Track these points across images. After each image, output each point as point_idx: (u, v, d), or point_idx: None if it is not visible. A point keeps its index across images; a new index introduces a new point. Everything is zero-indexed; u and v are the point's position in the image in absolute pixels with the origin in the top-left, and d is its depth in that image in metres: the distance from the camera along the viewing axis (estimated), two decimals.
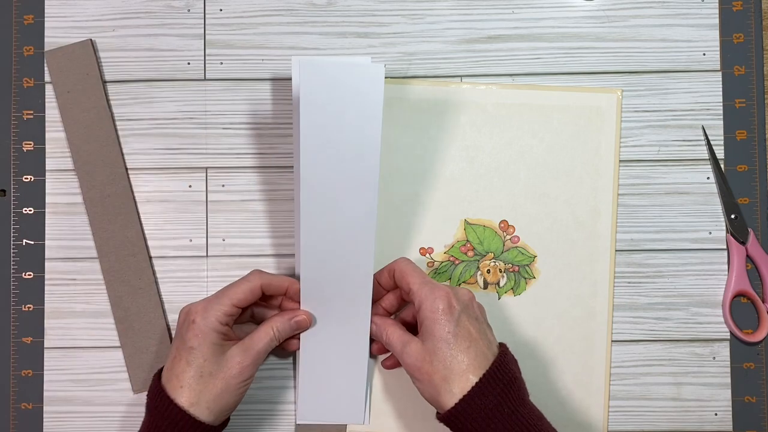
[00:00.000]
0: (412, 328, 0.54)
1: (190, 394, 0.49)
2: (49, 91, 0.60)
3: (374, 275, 0.55)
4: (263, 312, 0.56)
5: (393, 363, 0.56)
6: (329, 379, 0.56)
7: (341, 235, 0.53)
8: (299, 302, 0.55)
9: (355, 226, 0.53)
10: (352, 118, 0.51)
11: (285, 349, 0.56)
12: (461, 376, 0.48)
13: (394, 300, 0.55)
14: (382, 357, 0.57)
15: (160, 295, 0.59)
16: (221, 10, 0.60)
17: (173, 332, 0.59)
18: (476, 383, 0.47)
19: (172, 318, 0.59)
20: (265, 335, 0.52)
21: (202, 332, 0.50)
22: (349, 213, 0.52)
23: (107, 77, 0.60)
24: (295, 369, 0.58)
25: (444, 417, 0.48)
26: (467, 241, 0.59)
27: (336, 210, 0.52)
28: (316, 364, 0.56)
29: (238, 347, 0.51)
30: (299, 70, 0.51)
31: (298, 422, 0.57)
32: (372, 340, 0.56)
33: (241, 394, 0.51)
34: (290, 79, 0.59)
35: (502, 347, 0.51)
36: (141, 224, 0.59)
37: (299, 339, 0.55)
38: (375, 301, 0.56)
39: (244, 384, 0.50)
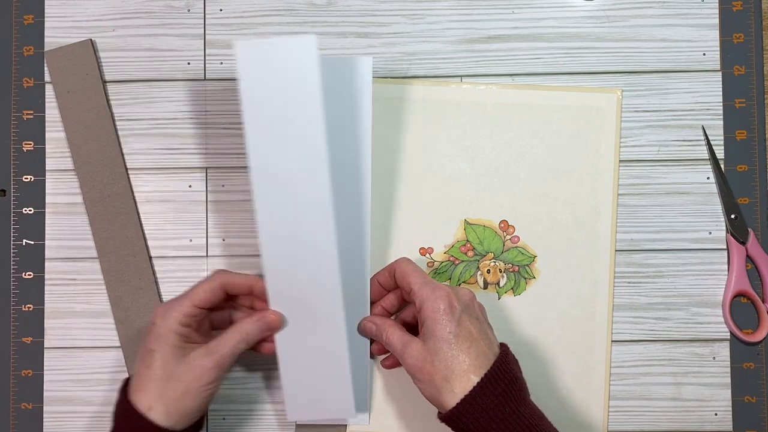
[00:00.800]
0: (412, 328, 0.54)
1: (149, 397, 0.48)
2: (49, 91, 0.60)
3: (375, 276, 0.55)
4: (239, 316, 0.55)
5: (392, 363, 0.56)
6: (311, 375, 0.54)
7: (299, 224, 0.50)
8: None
9: (311, 212, 0.50)
10: (292, 96, 0.49)
11: (262, 353, 0.53)
12: (462, 376, 0.48)
13: (395, 300, 0.55)
14: (381, 357, 0.57)
15: (160, 295, 0.59)
16: (221, 10, 0.60)
17: None
18: (477, 383, 0.47)
19: None
20: (231, 338, 0.50)
21: (161, 334, 0.49)
22: (303, 198, 0.50)
23: (107, 77, 0.60)
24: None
25: (445, 417, 0.48)
26: (467, 241, 0.59)
27: (290, 197, 0.50)
28: (296, 362, 0.54)
29: (202, 350, 0.49)
30: (237, 53, 0.49)
31: (288, 420, 0.57)
32: (372, 341, 0.56)
33: (206, 399, 0.49)
34: None
35: (503, 347, 0.51)
36: (141, 224, 0.59)
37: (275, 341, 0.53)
38: (375, 301, 0.56)
39: (208, 388, 0.49)
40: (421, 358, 0.49)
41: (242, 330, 0.51)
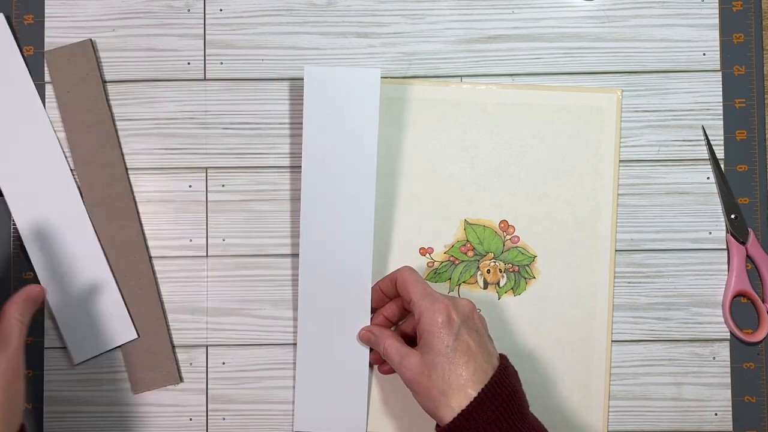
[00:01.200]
0: (412, 339, 0.54)
1: None
2: (49, 91, 0.60)
3: (377, 283, 0.55)
4: None
5: (389, 369, 0.56)
6: (328, 387, 0.56)
7: (340, 237, 0.54)
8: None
9: (353, 229, 0.54)
10: (352, 121, 0.54)
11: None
12: (459, 391, 0.47)
13: (396, 309, 0.55)
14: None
15: (160, 295, 0.59)
16: (221, 10, 0.60)
17: (173, 332, 0.59)
18: (474, 398, 0.47)
19: (173, 318, 0.59)
20: (14, 328, 0.49)
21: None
22: (348, 215, 0.53)
23: (107, 77, 0.60)
24: (295, 370, 0.58)
25: (443, 431, 0.48)
26: (467, 241, 0.59)
27: (335, 211, 0.54)
28: (314, 372, 0.56)
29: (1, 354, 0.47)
30: (305, 76, 0.54)
31: (294, 430, 0.57)
32: (370, 350, 0.56)
33: (23, 394, 0.48)
34: (290, 79, 0.60)
35: (503, 360, 0.50)
36: (141, 224, 0.59)
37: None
38: (376, 309, 0.56)
39: (22, 383, 0.48)
40: (418, 371, 0.49)
41: (17, 315, 0.49)
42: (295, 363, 0.58)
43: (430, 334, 0.49)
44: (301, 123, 0.59)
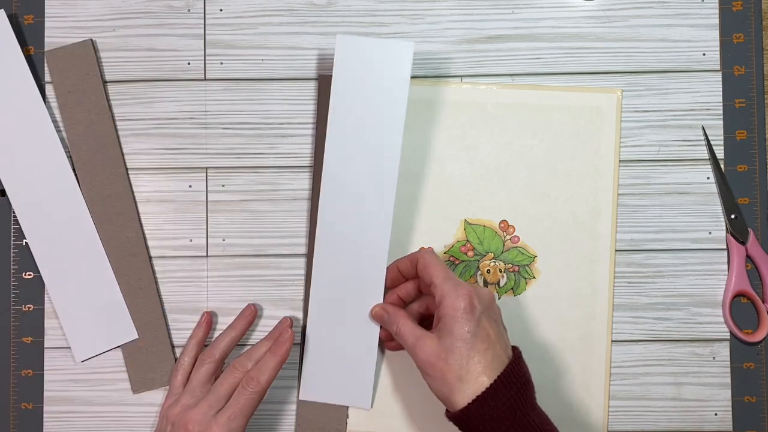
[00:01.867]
0: (422, 320, 0.54)
1: None
2: (50, 91, 0.60)
3: (396, 262, 0.55)
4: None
5: (397, 345, 0.56)
6: (336, 358, 0.56)
7: (360, 211, 0.54)
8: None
9: (374, 203, 0.54)
10: (380, 93, 0.54)
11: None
12: (476, 378, 0.47)
13: (412, 289, 0.55)
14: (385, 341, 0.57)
15: (160, 295, 0.59)
16: (221, 10, 0.60)
17: (173, 332, 0.59)
18: (490, 385, 0.47)
19: (172, 318, 0.59)
20: (242, 395, 0.51)
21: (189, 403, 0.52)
22: (368, 194, 0.54)
23: (107, 77, 0.60)
24: (302, 352, 0.58)
25: (454, 416, 0.48)
26: (467, 241, 0.59)
27: (356, 190, 0.54)
28: (323, 343, 0.56)
29: (223, 413, 0.51)
30: (337, 45, 0.54)
31: (300, 399, 0.57)
32: (380, 327, 0.56)
33: None
34: (291, 79, 0.60)
35: (516, 351, 0.50)
36: (141, 224, 0.59)
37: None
38: (391, 287, 0.56)
39: None
40: (435, 354, 0.48)
41: (251, 385, 0.52)
42: (302, 344, 0.58)
43: (452, 319, 0.48)
44: (301, 123, 0.59)
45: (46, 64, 0.59)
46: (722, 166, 0.59)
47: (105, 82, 0.60)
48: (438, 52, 0.60)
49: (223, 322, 0.59)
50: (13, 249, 0.59)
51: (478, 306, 0.49)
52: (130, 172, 0.59)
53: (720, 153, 0.59)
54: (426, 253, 0.53)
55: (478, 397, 0.47)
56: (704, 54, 0.60)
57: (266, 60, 0.60)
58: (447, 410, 0.49)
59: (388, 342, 0.57)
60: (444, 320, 0.49)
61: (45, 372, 0.59)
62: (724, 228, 0.59)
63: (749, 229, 0.59)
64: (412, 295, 0.55)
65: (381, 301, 0.55)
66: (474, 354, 0.48)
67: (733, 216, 0.59)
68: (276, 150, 0.59)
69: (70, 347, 0.58)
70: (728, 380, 0.58)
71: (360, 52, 0.54)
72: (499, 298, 0.58)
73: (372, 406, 0.57)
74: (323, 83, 0.59)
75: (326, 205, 0.55)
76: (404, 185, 0.59)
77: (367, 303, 0.55)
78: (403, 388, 0.58)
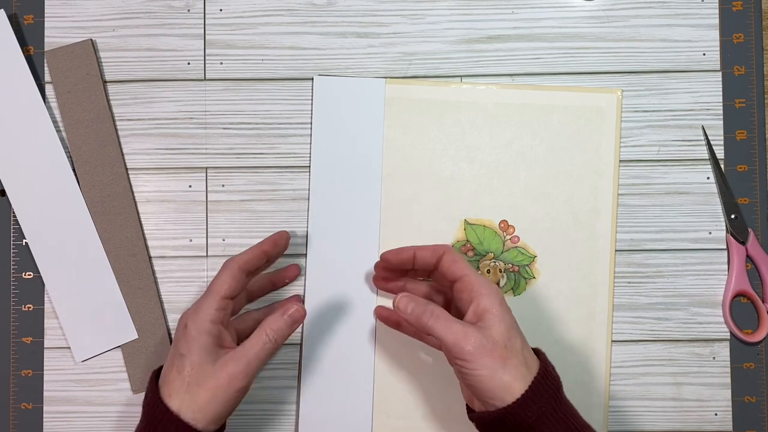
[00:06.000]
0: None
1: (179, 401, 0.47)
2: (49, 91, 0.60)
3: (414, 248, 0.53)
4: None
5: (397, 322, 0.56)
6: (333, 395, 0.56)
7: (348, 239, 0.56)
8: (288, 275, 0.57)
9: (362, 230, 0.57)
10: (359, 128, 0.57)
11: None
12: (513, 383, 0.47)
13: (426, 292, 0.56)
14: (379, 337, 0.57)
15: (159, 295, 0.59)
16: (221, 10, 0.60)
17: (173, 332, 0.59)
18: (532, 380, 0.47)
19: (172, 318, 0.59)
20: (257, 341, 0.49)
21: (193, 337, 0.48)
22: (356, 215, 0.56)
23: (107, 77, 0.60)
24: (299, 370, 0.58)
25: (481, 417, 0.48)
26: (467, 241, 0.59)
27: (343, 213, 0.57)
28: (320, 379, 0.56)
29: (231, 356, 0.48)
30: (315, 86, 0.58)
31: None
32: (389, 312, 0.56)
33: (234, 403, 0.49)
34: (291, 79, 0.60)
35: (537, 349, 0.50)
36: (141, 224, 0.59)
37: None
38: (395, 269, 0.55)
39: (238, 394, 0.48)
40: (480, 345, 0.47)
41: (268, 330, 0.49)
42: (300, 361, 0.58)
43: (492, 316, 0.48)
44: (301, 123, 0.59)
45: (46, 64, 0.59)
46: (722, 166, 0.59)
47: (105, 82, 0.60)
48: (438, 52, 0.60)
49: None
50: (13, 249, 0.59)
51: (506, 304, 0.49)
52: (130, 172, 0.59)
53: (720, 153, 0.59)
54: (451, 249, 0.52)
55: (516, 401, 0.46)
56: (704, 54, 0.60)
57: (266, 60, 0.60)
58: (472, 411, 0.49)
59: (388, 318, 0.56)
60: (486, 317, 0.48)
61: (45, 372, 0.59)
62: (724, 228, 0.59)
63: (749, 229, 0.59)
64: (422, 294, 0.55)
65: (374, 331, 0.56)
66: (510, 354, 0.47)
67: (733, 216, 0.59)
68: (276, 150, 0.59)
69: (70, 347, 0.58)
70: (728, 380, 0.58)
71: (337, 91, 0.58)
72: None
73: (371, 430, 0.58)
74: (319, 84, 0.59)
75: (315, 240, 0.58)
76: (404, 185, 0.59)
77: (360, 329, 0.56)
78: (403, 389, 0.58)
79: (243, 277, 0.51)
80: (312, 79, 0.59)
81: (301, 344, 0.58)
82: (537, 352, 0.50)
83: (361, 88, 0.58)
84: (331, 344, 0.57)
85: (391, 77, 0.59)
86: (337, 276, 0.57)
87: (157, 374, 0.50)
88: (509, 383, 0.46)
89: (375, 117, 0.58)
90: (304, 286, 0.58)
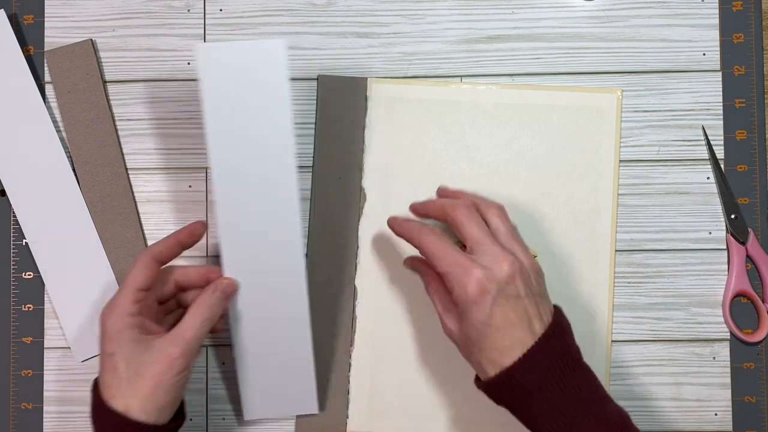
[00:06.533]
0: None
1: (124, 400, 0.45)
2: (49, 91, 0.60)
3: (425, 202, 0.52)
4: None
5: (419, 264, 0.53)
6: (272, 368, 0.52)
7: (266, 228, 0.50)
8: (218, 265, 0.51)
9: (278, 213, 0.50)
10: (258, 101, 0.49)
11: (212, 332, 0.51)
12: (494, 363, 0.45)
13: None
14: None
15: None
16: (221, 10, 0.60)
17: None
18: (508, 368, 0.45)
19: None
20: (192, 319, 0.47)
21: (116, 334, 0.46)
22: (270, 201, 0.50)
23: (107, 77, 0.60)
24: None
25: (482, 387, 0.47)
26: None
27: (255, 200, 0.50)
28: (255, 356, 0.52)
29: (165, 339, 0.47)
30: (197, 58, 0.49)
31: (245, 419, 0.55)
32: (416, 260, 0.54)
33: (180, 387, 0.47)
34: (291, 79, 0.59)
35: (554, 322, 0.47)
36: (141, 224, 0.59)
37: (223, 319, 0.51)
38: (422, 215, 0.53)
39: (179, 378, 0.46)
40: (456, 334, 0.48)
41: (202, 307, 0.48)
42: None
43: (465, 306, 0.46)
44: (301, 123, 0.59)
45: (46, 64, 0.59)
46: (722, 166, 0.59)
47: (105, 82, 0.60)
48: (438, 52, 0.60)
49: (223, 323, 0.59)
50: (13, 249, 0.59)
51: (492, 288, 0.45)
52: (130, 172, 0.59)
53: (720, 153, 0.59)
54: (429, 239, 0.48)
55: (503, 371, 0.45)
56: (704, 54, 0.60)
57: None
58: (477, 378, 0.48)
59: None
60: (460, 306, 0.47)
61: (45, 372, 0.59)
62: (724, 228, 0.59)
63: (749, 229, 0.59)
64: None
65: (306, 300, 0.52)
66: (491, 341, 0.45)
67: (733, 216, 0.59)
68: None
69: (70, 347, 0.58)
70: (728, 380, 0.58)
71: (227, 61, 0.49)
72: None
73: (324, 409, 0.56)
74: (323, 83, 0.59)
75: (226, 212, 0.51)
76: (404, 185, 0.59)
77: (291, 304, 0.52)
78: (402, 388, 0.58)
79: (157, 267, 0.50)
80: (316, 78, 0.59)
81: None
82: (550, 326, 0.47)
83: (254, 55, 0.49)
84: (265, 352, 0.53)
85: (391, 77, 0.59)
86: (258, 278, 0.52)
87: (96, 384, 0.48)
88: (473, 365, 0.46)
89: (276, 90, 0.49)
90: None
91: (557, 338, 0.46)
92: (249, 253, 0.51)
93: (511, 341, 0.45)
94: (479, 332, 0.46)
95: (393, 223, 0.52)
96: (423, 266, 0.53)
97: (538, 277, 0.49)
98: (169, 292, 0.52)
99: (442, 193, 0.54)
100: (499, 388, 0.46)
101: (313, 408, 0.55)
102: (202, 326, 0.48)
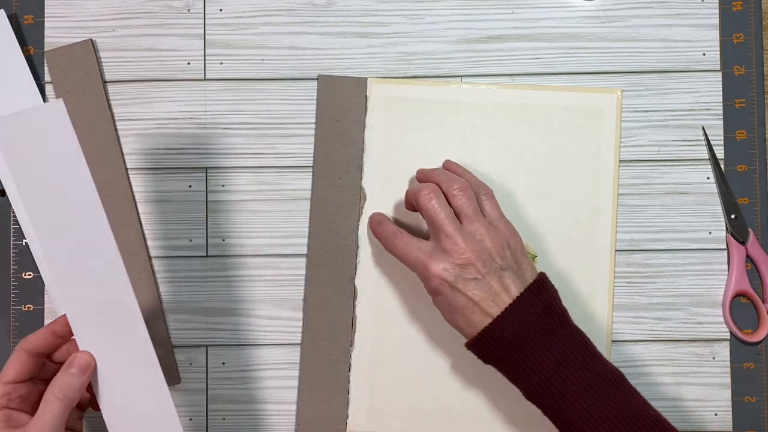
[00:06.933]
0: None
1: None
2: (49, 91, 0.60)
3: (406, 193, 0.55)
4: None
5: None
6: (128, 394, 0.49)
7: (90, 268, 0.48)
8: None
9: (99, 256, 0.48)
10: (56, 160, 0.48)
11: (85, 407, 0.50)
12: (474, 327, 0.49)
13: None
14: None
15: (159, 295, 0.59)
16: (221, 10, 0.60)
17: (173, 332, 0.59)
18: (474, 337, 0.49)
19: (172, 318, 0.59)
20: (46, 405, 0.44)
21: None
22: (90, 245, 0.48)
23: (107, 77, 0.60)
24: (300, 373, 0.58)
25: (468, 347, 0.50)
26: None
27: (78, 247, 0.48)
28: (113, 395, 0.49)
29: (25, 431, 0.43)
30: None
31: None
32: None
33: None
34: (291, 79, 0.60)
35: (533, 283, 0.49)
36: (141, 224, 0.59)
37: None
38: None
39: None
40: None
41: (56, 391, 0.44)
42: (299, 363, 0.58)
43: (432, 296, 0.51)
44: (302, 123, 0.59)
45: (46, 64, 0.59)
46: (722, 166, 0.59)
47: (105, 82, 0.60)
48: (438, 52, 0.60)
49: (223, 323, 0.59)
50: (13, 249, 0.59)
51: (449, 277, 0.49)
52: (130, 172, 0.59)
53: (720, 153, 0.59)
54: (394, 243, 0.53)
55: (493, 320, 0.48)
56: (704, 54, 0.60)
57: (266, 60, 0.60)
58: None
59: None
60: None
61: None
62: (724, 228, 0.59)
63: (749, 229, 0.59)
64: None
65: (145, 331, 0.48)
66: (457, 322, 0.50)
67: (733, 216, 0.59)
68: (276, 150, 0.59)
69: None
70: (728, 380, 0.58)
71: (13, 130, 0.46)
72: None
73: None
74: (323, 83, 0.59)
75: (55, 275, 0.47)
76: (404, 185, 0.59)
77: (127, 323, 0.49)
78: (402, 388, 0.58)
79: (30, 359, 0.46)
80: (316, 78, 0.59)
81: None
82: (540, 274, 0.51)
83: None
84: (116, 377, 0.48)
85: (391, 77, 0.59)
86: (95, 309, 0.48)
87: None
88: (477, 321, 0.49)
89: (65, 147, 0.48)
90: (305, 284, 0.58)
91: (536, 296, 0.49)
92: (81, 298, 0.48)
93: (479, 317, 0.48)
94: (448, 315, 0.50)
95: (370, 225, 0.57)
96: (385, 224, 0.56)
97: (513, 248, 0.51)
98: (32, 364, 0.47)
99: (419, 175, 0.57)
100: (480, 346, 0.49)
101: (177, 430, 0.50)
102: (55, 410, 0.44)
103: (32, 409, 0.46)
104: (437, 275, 0.49)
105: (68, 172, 0.48)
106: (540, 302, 0.49)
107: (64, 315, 0.47)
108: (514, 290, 0.49)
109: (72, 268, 0.48)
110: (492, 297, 0.48)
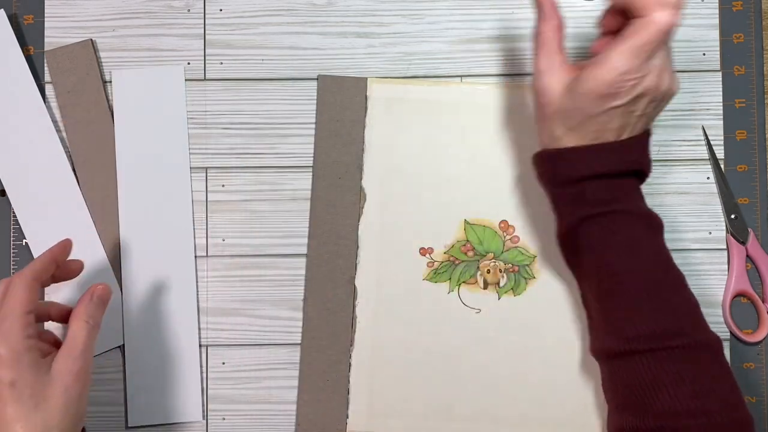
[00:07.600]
0: None
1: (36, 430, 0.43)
2: (50, 91, 0.60)
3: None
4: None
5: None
6: (159, 375, 0.53)
7: (162, 230, 0.56)
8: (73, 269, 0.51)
9: (175, 227, 0.56)
10: (161, 117, 0.58)
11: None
12: (556, 141, 0.51)
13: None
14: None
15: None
16: (221, 10, 0.60)
17: None
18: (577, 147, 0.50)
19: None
20: (80, 330, 0.47)
21: (14, 361, 0.44)
22: (167, 213, 0.56)
23: (107, 77, 0.60)
24: (300, 373, 0.58)
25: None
26: (467, 241, 0.59)
27: (154, 213, 0.56)
28: (144, 359, 0.52)
29: (62, 356, 0.45)
30: (113, 81, 0.57)
31: (129, 425, 0.55)
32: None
33: (87, 397, 0.46)
34: (291, 79, 0.60)
35: (632, 138, 0.49)
36: None
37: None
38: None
39: (85, 388, 0.46)
40: (552, 93, 0.51)
41: (84, 317, 0.47)
42: (298, 363, 0.58)
43: (585, 95, 0.50)
44: (302, 123, 0.59)
45: (46, 64, 0.59)
46: (722, 166, 0.59)
47: (105, 82, 0.60)
48: (438, 52, 0.60)
49: (223, 323, 0.59)
50: (13, 249, 0.59)
51: (618, 100, 0.48)
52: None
53: (720, 153, 0.59)
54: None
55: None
56: (704, 54, 0.60)
57: (266, 60, 0.60)
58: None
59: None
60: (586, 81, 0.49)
61: None
62: (724, 228, 0.59)
63: (749, 229, 0.59)
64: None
65: (195, 303, 0.56)
66: (568, 121, 0.50)
67: (733, 216, 0.59)
68: (276, 150, 0.59)
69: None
70: None
71: (137, 83, 0.58)
72: (499, 298, 0.58)
73: (205, 417, 0.57)
74: (323, 83, 0.59)
75: (128, 241, 0.56)
76: (404, 185, 0.59)
77: (182, 311, 0.54)
78: (402, 388, 0.58)
79: (38, 287, 0.48)
80: (316, 78, 0.59)
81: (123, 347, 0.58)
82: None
83: (159, 78, 0.58)
84: (152, 358, 0.54)
85: (391, 77, 0.59)
86: (151, 291, 0.56)
87: None
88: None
89: (175, 107, 0.58)
90: (305, 284, 0.58)
91: (619, 152, 0.49)
92: (144, 251, 0.56)
93: (591, 130, 0.49)
94: (580, 107, 0.49)
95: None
96: (553, 9, 0.52)
97: (662, 103, 0.50)
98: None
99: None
100: (543, 163, 0.51)
101: (197, 415, 0.54)
102: (90, 335, 0.47)
103: (46, 343, 0.48)
104: (611, 83, 0.48)
105: (169, 130, 0.56)
106: (618, 158, 0.49)
107: (63, 240, 0.50)
108: (626, 134, 0.49)
109: (140, 193, 0.56)
110: (620, 126, 0.49)
